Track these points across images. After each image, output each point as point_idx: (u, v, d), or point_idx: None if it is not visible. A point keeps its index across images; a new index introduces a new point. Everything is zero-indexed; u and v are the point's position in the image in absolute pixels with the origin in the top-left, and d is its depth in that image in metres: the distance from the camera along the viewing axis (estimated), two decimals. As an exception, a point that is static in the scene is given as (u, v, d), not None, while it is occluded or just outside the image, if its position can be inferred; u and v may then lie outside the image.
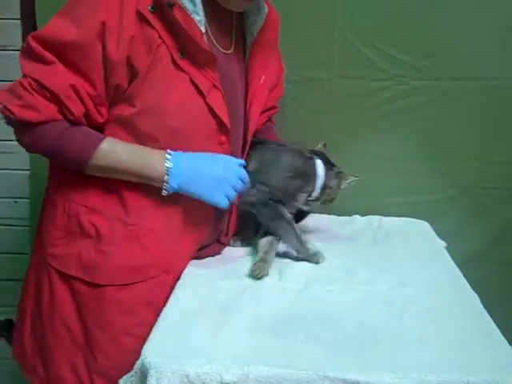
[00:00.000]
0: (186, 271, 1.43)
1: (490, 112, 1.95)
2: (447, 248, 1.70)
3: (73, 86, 1.27)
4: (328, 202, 1.67)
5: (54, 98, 1.27)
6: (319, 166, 1.63)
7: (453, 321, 1.25)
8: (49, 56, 1.26)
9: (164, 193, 1.35)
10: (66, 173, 1.38)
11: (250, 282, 1.41)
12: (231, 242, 1.64)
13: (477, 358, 1.10)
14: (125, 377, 1.15)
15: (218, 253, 1.59)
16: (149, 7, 1.27)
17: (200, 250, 1.51)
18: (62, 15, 1.28)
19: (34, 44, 1.27)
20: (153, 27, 1.28)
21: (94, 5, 1.26)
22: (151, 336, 1.17)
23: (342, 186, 1.66)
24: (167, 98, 1.33)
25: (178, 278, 1.41)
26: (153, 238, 1.40)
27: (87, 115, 1.32)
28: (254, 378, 1.06)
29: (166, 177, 1.34)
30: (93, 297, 1.37)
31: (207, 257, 1.54)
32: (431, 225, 1.86)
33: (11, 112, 1.27)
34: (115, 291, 1.37)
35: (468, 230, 2.01)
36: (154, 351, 1.11)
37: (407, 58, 1.91)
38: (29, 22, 1.98)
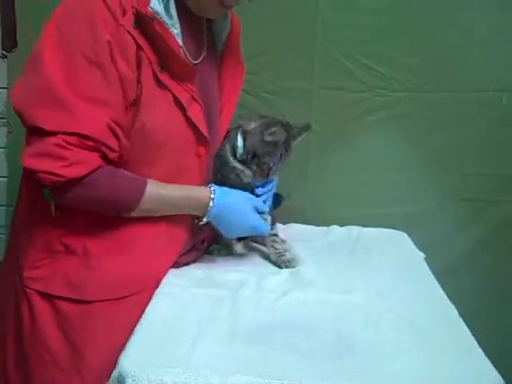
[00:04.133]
0: (163, 280, 1.42)
1: (470, 124, 1.97)
2: (426, 259, 1.71)
3: (108, 124, 1.24)
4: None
5: (96, 145, 1.23)
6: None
7: (429, 331, 1.24)
8: (70, 100, 1.21)
9: (200, 223, 1.46)
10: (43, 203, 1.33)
11: (228, 291, 1.40)
12: (214, 251, 1.65)
13: (453, 368, 1.11)
14: (102, 387, 1.14)
15: (195, 260, 1.59)
16: (132, 23, 1.26)
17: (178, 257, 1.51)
18: (59, 51, 1.23)
19: (50, 92, 1.21)
20: (138, 44, 1.27)
21: (92, 26, 1.23)
22: (128, 345, 1.16)
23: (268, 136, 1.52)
24: (152, 115, 1.32)
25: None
26: (143, 251, 1.39)
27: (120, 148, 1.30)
28: (232, 387, 1.05)
29: (207, 213, 1.44)
30: (80, 315, 1.34)
31: (184, 264, 1.54)
32: (410, 236, 1.87)
33: (60, 175, 1.21)
34: (105, 306, 1.34)
35: (447, 241, 2.02)
36: (131, 360, 1.11)
37: (387, 69, 1.93)
38: (9, 29, 1.97)
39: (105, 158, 1.28)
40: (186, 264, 1.54)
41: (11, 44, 2.00)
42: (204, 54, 1.48)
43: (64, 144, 1.21)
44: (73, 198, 1.27)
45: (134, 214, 1.35)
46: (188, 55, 1.41)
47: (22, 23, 1.96)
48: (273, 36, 1.91)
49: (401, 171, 1.99)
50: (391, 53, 1.92)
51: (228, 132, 1.57)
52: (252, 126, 1.53)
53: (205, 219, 1.45)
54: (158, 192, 1.36)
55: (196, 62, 1.45)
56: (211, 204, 1.43)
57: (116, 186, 1.31)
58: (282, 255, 1.59)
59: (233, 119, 1.60)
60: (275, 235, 1.62)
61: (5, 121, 2.01)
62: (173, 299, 1.35)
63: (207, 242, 1.63)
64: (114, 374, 1.10)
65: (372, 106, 1.96)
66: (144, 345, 1.16)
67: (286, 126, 1.55)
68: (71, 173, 1.22)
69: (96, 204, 1.31)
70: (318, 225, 1.94)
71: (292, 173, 1.79)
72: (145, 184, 1.34)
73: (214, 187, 1.45)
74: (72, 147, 1.21)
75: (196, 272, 1.51)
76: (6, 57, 2.01)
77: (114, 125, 1.25)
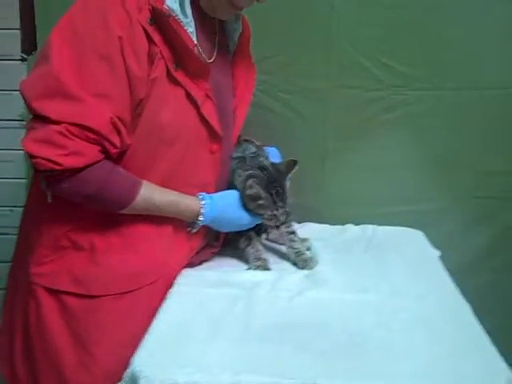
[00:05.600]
0: (177, 280, 1.43)
1: (486, 122, 1.96)
2: (441, 257, 1.69)
3: (111, 119, 1.25)
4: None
5: (98, 138, 1.25)
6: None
7: (443, 329, 1.24)
8: (78, 92, 1.23)
9: (191, 231, 1.46)
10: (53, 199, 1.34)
11: (242, 290, 1.40)
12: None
13: (466, 367, 1.11)
14: (115, 386, 1.15)
15: (209, 258, 1.60)
16: (148, 19, 1.27)
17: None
18: (70, 44, 1.25)
19: (58, 83, 1.22)
20: (153, 40, 1.28)
21: (104, 22, 1.25)
22: (141, 345, 1.17)
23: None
24: (163, 111, 1.33)
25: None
26: (148, 246, 1.40)
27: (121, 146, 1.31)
28: (244, 387, 1.06)
29: (199, 219, 1.44)
30: (86, 310, 1.35)
31: (200, 262, 1.55)
32: (426, 234, 1.85)
33: (57, 163, 1.22)
34: (111, 301, 1.36)
35: (462, 239, 2.02)
36: (144, 360, 1.12)
37: (404, 68, 1.93)
38: (28, 32, 2.00)
39: (105, 152, 1.28)
40: (200, 263, 1.56)
41: (31, 47, 2.02)
42: (216, 54, 1.49)
43: (66, 133, 1.22)
44: (67, 189, 1.28)
45: (123, 211, 1.35)
46: (202, 53, 1.43)
47: (41, 26, 1.98)
48: (289, 35, 1.91)
49: (416, 170, 1.99)
50: (409, 50, 1.92)
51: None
52: (238, 180, 1.54)
53: (194, 230, 1.46)
54: (150, 195, 1.36)
55: (210, 60, 1.46)
56: (201, 218, 1.44)
57: (111, 183, 1.31)
58: (302, 254, 1.58)
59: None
60: (293, 233, 1.62)
61: (24, 123, 2.04)
62: (186, 299, 1.36)
63: (223, 239, 1.63)
64: (127, 373, 1.11)
65: (389, 104, 1.95)
66: (157, 345, 1.17)
67: (270, 168, 1.54)
68: (69, 162, 1.23)
69: (89, 198, 1.31)
70: (333, 223, 1.94)
71: (308, 171, 1.80)
72: (140, 185, 1.35)
73: (204, 200, 1.45)
74: (73, 137, 1.23)
75: (210, 272, 1.52)
76: (25, 60, 2.04)
77: (117, 121, 1.26)
